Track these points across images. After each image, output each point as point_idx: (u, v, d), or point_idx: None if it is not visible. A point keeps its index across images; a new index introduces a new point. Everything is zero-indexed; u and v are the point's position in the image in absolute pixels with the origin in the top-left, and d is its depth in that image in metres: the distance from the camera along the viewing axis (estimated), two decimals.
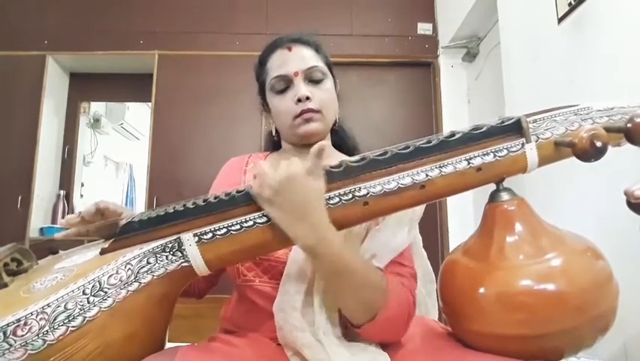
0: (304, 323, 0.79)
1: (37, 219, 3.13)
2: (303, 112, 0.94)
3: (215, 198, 0.73)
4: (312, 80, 0.97)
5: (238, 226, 0.70)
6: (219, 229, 0.70)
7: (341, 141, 1.09)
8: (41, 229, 3.13)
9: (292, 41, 0.99)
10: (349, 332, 0.82)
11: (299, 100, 0.94)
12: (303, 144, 0.99)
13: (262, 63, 1.03)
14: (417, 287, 0.86)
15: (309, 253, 0.71)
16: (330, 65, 1.03)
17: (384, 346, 0.81)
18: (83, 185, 3.69)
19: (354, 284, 0.72)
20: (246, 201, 0.72)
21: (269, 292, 0.87)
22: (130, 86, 3.57)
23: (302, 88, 0.95)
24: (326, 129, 1.00)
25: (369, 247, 0.81)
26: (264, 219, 0.70)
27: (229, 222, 0.70)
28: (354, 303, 0.74)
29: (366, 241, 0.82)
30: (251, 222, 0.70)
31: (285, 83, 0.97)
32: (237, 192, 0.72)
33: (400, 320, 0.77)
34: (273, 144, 1.11)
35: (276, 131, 1.06)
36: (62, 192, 3.33)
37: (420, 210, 0.86)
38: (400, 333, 0.80)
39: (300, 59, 0.97)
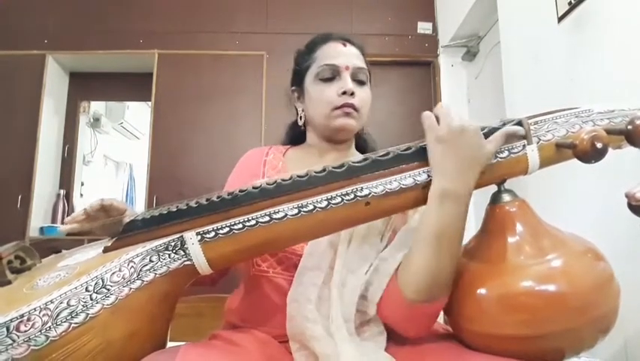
0: (317, 315, 0.79)
1: (37, 218, 3.12)
2: (345, 105, 0.96)
3: (218, 197, 0.73)
4: (358, 79, 0.99)
5: (241, 225, 0.70)
6: (222, 228, 0.70)
7: (364, 144, 1.11)
8: (41, 229, 3.13)
9: (344, 39, 1.02)
10: (360, 329, 0.82)
11: (344, 92, 0.95)
12: (330, 139, 1.01)
13: (310, 50, 1.04)
14: None
15: (439, 197, 0.69)
16: (371, 73, 1.04)
17: (387, 346, 0.81)
18: (82, 184, 3.68)
19: (449, 252, 0.71)
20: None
21: (282, 284, 0.87)
22: (130, 86, 3.56)
23: (349, 82, 0.96)
24: (357, 129, 1.01)
25: (406, 241, 0.80)
26: (267, 218, 0.71)
27: (232, 221, 0.71)
28: (436, 271, 0.70)
29: (401, 235, 0.82)
30: (253, 222, 0.70)
31: (332, 74, 0.98)
32: (240, 191, 0.73)
33: (438, 314, 0.76)
34: (295, 137, 1.11)
35: (302, 124, 1.06)
36: (62, 192, 3.33)
37: None
38: (428, 328, 0.79)
39: (353, 56, 1.00)
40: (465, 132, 0.68)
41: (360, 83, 0.99)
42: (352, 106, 0.96)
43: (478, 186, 0.72)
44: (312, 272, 0.83)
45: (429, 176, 0.71)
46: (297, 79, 1.07)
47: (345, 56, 0.99)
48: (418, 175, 0.71)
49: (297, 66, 1.07)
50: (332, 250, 0.83)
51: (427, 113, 0.72)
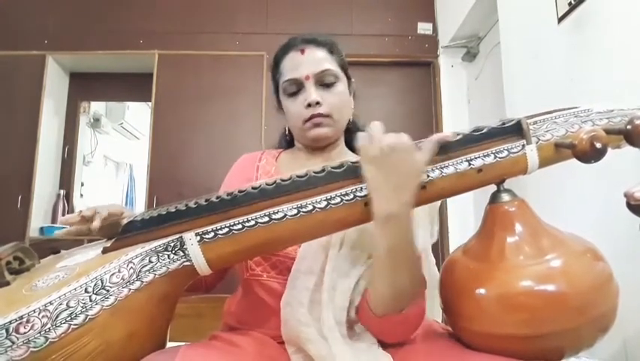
0: (310, 318, 0.79)
1: (37, 218, 3.13)
2: (312, 117, 0.95)
3: (217, 197, 0.73)
4: (324, 83, 0.97)
5: (240, 226, 0.70)
6: (221, 229, 0.70)
7: (353, 140, 1.09)
8: (41, 229, 3.13)
9: (305, 42, 0.99)
10: (353, 331, 0.82)
11: (309, 105, 0.95)
12: (313, 148, 1.02)
13: (276, 64, 1.04)
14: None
15: (382, 221, 0.69)
16: (345, 66, 1.03)
17: (385, 346, 0.81)
18: (82, 185, 3.69)
19: (406, 268, 0.71)
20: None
21: (276, 288, 0.87)
22: (130, 86, 3.57)
23: (312, 93, 0.95)
24: (337, 133, 1.01)
25: None
26: (266, 219, 0.71)
27: (231, 221, 0.71)
28: (396, 287, 0.72)
29: None
30: (252, 222, 0.70)
31: (297, 87, 0.97)
32: (239, 191, 0.73)
33: (417, 321, 0.78)
34: (287, 142, 1.12)
35: (289, 130, 1.07)
36: (62, 192, 3.34)
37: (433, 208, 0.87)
38: (409, 335, 0.80)
39: (313, 62, 0.97)
40: (395, 151, 0.67)
41: (328, 85, 0.97)
42: (320, 115, 0.95)
43: (478, 186, 0.72)
44: (304, 276, 0.83)
45: (428, 176, 0.71)
46: (275, 92, 1.07)
47: (304, 64, 0.97)
48: None
49: (272, 81, 1.08)
50: (324, 254, 0.83)
51: (361, 134, 0.71)
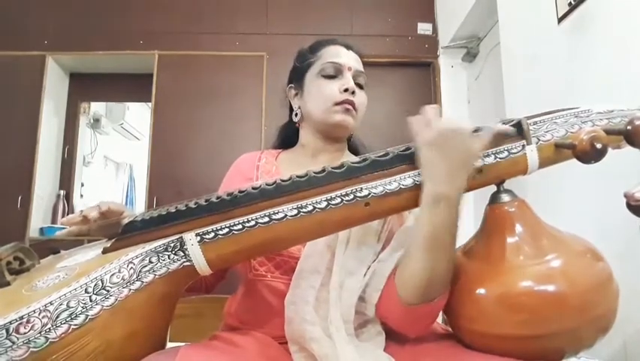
0: (316, 316, 0.79)
1: (37, 219, 3.12)
2: (346, 101, 0.98)
3: (218, 197, 0.73)
4: (358, 83, 1.02)
5: (240, 226, 0.70)
6: (221, 229, 0.70)
7: (356, 148, 1.12)
8: (41, 229, 3.13)
9: (349, 45, 1.06)
10: (361, 331, 0.82)
11: (346, 90, 0.98)
12: (327, 136, 1.02)
13: (314, 50, 1.07)
14: None
15: (431, 202, 0.69)
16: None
17: (387, 346, 0.81)
18: (83, 185, 3.69)
19: (444, 255, 0.71)
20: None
21: (280, 288, 0.87)
22: (130, 86, 3.56)
23: (351, 80, 1.00)
24: (353, 130, 1.04)
25: (404, 242, 0.80)
26: (266, 219, 0.71)
27: (231, 221, 0.71)
28: (432, 274, 0.70)
29: (398, 236, 0.83)
30: (253, 223, 0.70)
31: (336, 72, 1.00)
32: (240, 191, 0.73)
33: (439, 313, 0.77)
34: (287, 139, 1.12)
35: (298, 120, 1.07)
36: (62, 192, 3.33)
37: None
38: (427, 329, 0.80)
39: (355, 60, 1.04)
40: (454, 135, 0.68)
41: (360, 86, 1.02)
42: (352, 104, 0.98)
43: (478, 186, 0.72)
44: (310, 275, 0.83)
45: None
46: (297, 76, 1.08)
47: (348, 57, 1.02)
48: (418, 175, 0.71)
49: (299, 64, 1.09)
50: (329, 253, 0.84)
51: (415, 117, 0.72)
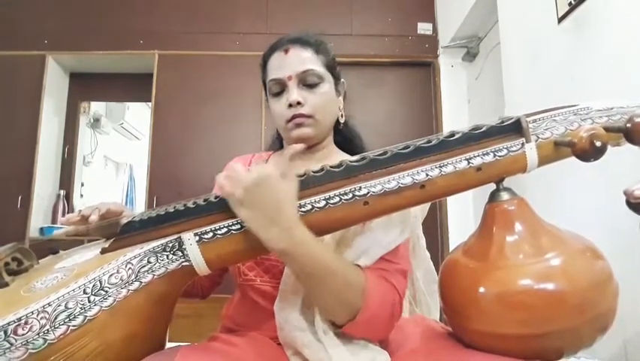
0: (304, 322, 0.79)
1: (37, 219, 3.13)
2: (294, 117, 0.94)
3: (216, 197, 0.73)
4: (307, 84, 0.96)
5: (238, 226, 0.70)
6: (220, 229, 0.70)
7: (345, 140, 1.08)
8: (41, 229, 3.13)
9: (291, 42, 0.98)
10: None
11: (290, 105, 0.94)
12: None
13: (264, 64, 1.04)
14: (406, 285, 0.86)
15: (281, 256, 0.71)
16: (332, 66, 1.01)
17: (384, 345, 0.81)
18: (83, 185, 3.69)
19: (330, 284, 0.72)
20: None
21: (270, 292, 0.87)
22: (130, 86, 3.56)
23: (294, 93, 0.94)
24: (320, 133, 0.99)
25: (361, 243, 0.81)
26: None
27: (229, 221, 0.71)
28: (331, 303, 0.74)
29: (358, 237, 0.82)
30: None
31: (280, 87, 0.97)
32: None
33: (381, 320, 0.77)
34: (279, 143, 1.11)
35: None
36: (62, 192, 3.33)
37: (416, 210, 0.86)
38: (383, 332, 0.81)
39: (296, 62, 0.96)
40: (258, 185, 0.68)
41: (311, 86, 0.96)
42: (302, 115, 0.94)
43: (477, 184, 0.72)
44: (296, 280, 0.82)
45: (428, 175, 0.71)
46: (265, 91, 1.06)
47: (287, 65, 0.96)
48: (417, 174, 0.71)
49: (262, 80, 1.07)
50: None
51: (220, 180, 0.72)
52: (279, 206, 0.68)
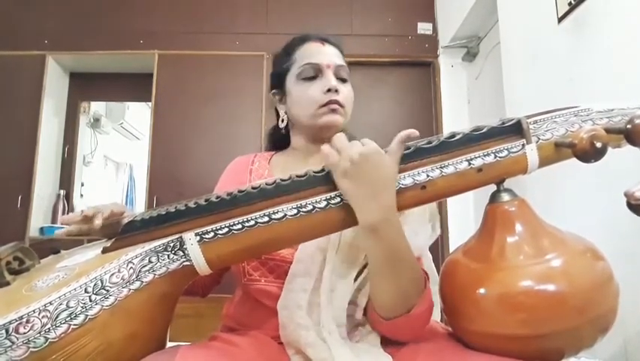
0: (309, 321, 0.79)
1: (37, 219, 3.13)
2: (330, 102, 0.95)
3: (217, 197, 0.73)
4: (340, 77, 0.99)
5: (240, 226, 0.70)
6: (221, 229, 0.70)
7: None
8: (41, 229, 3.13)
9: (324, 39, 1.02)
10: (355, 332, 0.82)
11: (328, 90, 0.95)
12: (316, 138, 1.00)
13: (288, 52, 1.04)
14: None
15: (370, 231, 0.70)
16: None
17: (386, 345, 0.81)
18: (83, 185, 3.69)
19: (404, 270, 0.72)
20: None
21: (274, 292, 0.87)
22: (130, 86, 3.57)
23: (333, 79, 0.96)
24: (342, 126, 1.00)
25: None
26: (266, 218, 0.70)
27: (231, 221, 0.71)
28: (398, 290, 0.73)
29: None
30: (252, 222, 0.70)
31: (315, 72, 0.97)
32: (239, 191, 0.73)
33: (426, 318, 0.77)
34: (276, 143, 1.11)
35: (285, 126, 1.06)
36: (62, 192, 3.34)
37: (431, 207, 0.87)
38: (420, 332, 0.80)
39: (333, 54, 1.00)
40: (366, 158, 0.68)
41: (343, 80, 0.99)
42: (338, 102, 0.96)
43: (478, 185, 0.72)
44: (301, 278, 0.83)
45: (428, 176, 0.71)
46: (277, 81, 1.06)
47: (325, 54, 0.99)
48: (417, 175, 0.71)
49: (276, 68, 1.07)
50: (321, 256, 0.83)
51: (326, 149, 0.72)
52: (383, 183, 0.69)
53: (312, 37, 1.02)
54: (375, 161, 0.68)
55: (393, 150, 0.70)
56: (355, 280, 0.83)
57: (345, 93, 0.98)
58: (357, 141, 0.71)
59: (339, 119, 0.97)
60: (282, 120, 1.06)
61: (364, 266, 0.83)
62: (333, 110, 0.96)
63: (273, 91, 1.08)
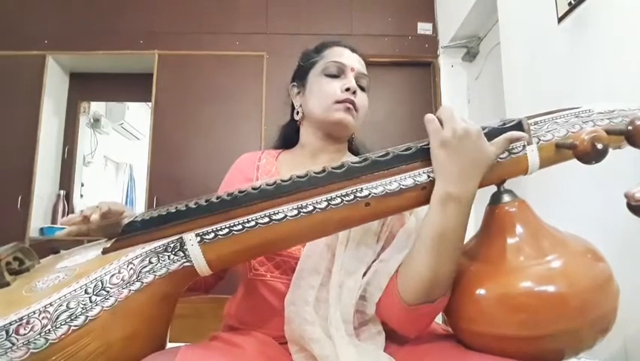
0: (316, 317, 0.79)
1: (37, 219, 3.12)
2: (346, 100, 0.98)
3: (218, 198, 0.73)
4: (360, 85, 1.02)
5: (240, 226, 0.70)
6: (221, 229, 0.70)
7: (357, 150, 1.12)
8: (41, 229, 3.12)
9: (353, 49, 1.07)
10: (361, 331, 0.82)
11: (347, 89, 0.98)
12: (326, 135, 1.02)
13: (318, 50, 1.08)
14: None
15: (440, 204, 0.69)
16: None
17: (386, 346, 0.81)
18: (83, 185, 3.68)
19: (449, 257, 0.71)
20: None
21: (279, 288, 0.87)
22: (130, 86, 3.56)
23: (354, 81, 1.00)
24: (353, 129, 1.03)
25: (406, 242, 0.82)
26: (266, 219, 0.70)
27: (231, 222, 0.71)
28: (435, 275, 0.71)
29: (401, 236, 0.84)
30: (253, 223, 0.70)
31: (339, 71, 1.01)
32: (240, 192, 0.73)
33: (438, 313, 0.77)
34: (288, 138, 1.12)
35: (299, 119, 1.08)
36: (62, 192, 3.33)
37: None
38: (426, 329, 0.80)
39: (359, 62, 1.04)
40: (469, 135, 0.69)
41: (362, 88, 1.02)
42: (353, 103, 0.98)
43: (479, 186, 0.72)
44: (309, 275, 0.83)
45: (429, 177, 0.71)
46: (300, 74, 1.09)
47: (353, 60, 1.03)
48: (418, 176, 0.71)
49: (303, 63, 1.10)
50: (329, 253, 0.84)
51: (430, 117, 0.72)
52: (476, 165, 0.69)
53: (343, 43, 1.07)
54: (475, 142, 0.69)
55: (499, 142, 0.70)
56: (363, 276, 0.83)
57: (362, 99, 1.02)
58: (463, 120, 0.71)
59: (352, 121, 0.99)
60: (297, 113, 1.08)
61: (372, 262, 0.83)
62: (348, 110, 0.98)
63: (293, 83, 1.11)
